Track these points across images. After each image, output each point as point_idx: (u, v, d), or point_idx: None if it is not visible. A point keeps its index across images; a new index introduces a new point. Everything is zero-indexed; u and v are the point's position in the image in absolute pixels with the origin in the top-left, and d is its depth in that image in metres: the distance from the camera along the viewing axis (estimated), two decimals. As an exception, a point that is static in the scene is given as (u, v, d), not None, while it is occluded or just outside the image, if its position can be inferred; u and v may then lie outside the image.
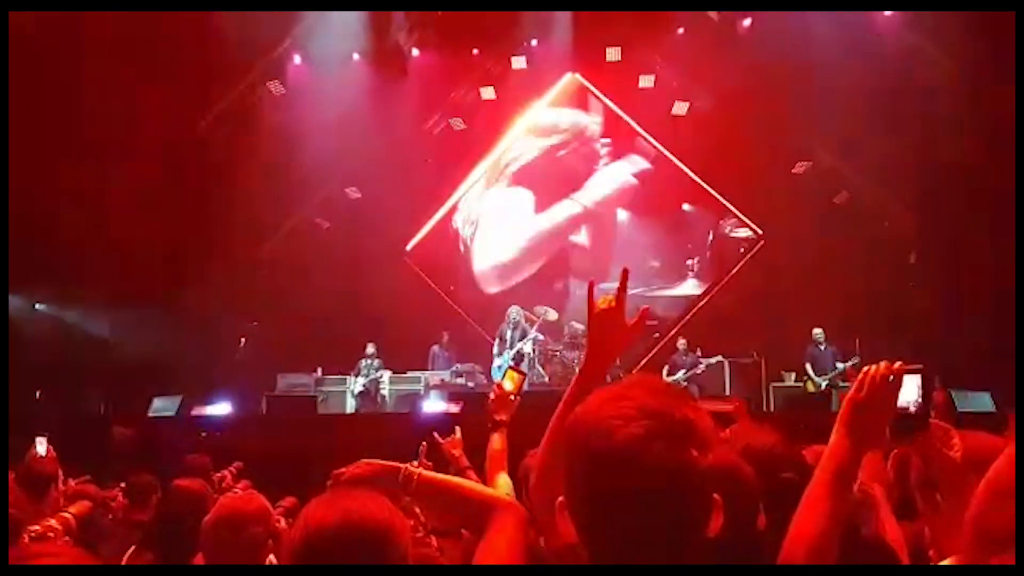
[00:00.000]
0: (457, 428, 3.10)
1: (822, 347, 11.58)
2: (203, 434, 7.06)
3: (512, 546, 1.61)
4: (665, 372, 11.98)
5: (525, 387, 10.42)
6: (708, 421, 1.20)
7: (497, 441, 2.75)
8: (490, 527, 1.65)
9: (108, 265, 11.36)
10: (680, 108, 13.76)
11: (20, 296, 11.75)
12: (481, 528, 1.66)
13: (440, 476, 1.78)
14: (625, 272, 1.84)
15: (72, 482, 4.16)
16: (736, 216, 14.09)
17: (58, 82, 10.38)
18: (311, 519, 1.51)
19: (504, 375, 2.93)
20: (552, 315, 12.89)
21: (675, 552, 1.15)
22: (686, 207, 14.17)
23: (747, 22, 12.97)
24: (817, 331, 11.60)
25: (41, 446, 3.70)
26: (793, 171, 13.24)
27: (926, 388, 1.62)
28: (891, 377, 1.63)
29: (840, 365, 11.19)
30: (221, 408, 9.93)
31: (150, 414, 9.86)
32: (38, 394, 10.95)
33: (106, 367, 11.62)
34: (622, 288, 1.82)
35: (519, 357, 11.71)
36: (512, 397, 2.84)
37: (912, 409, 1.63)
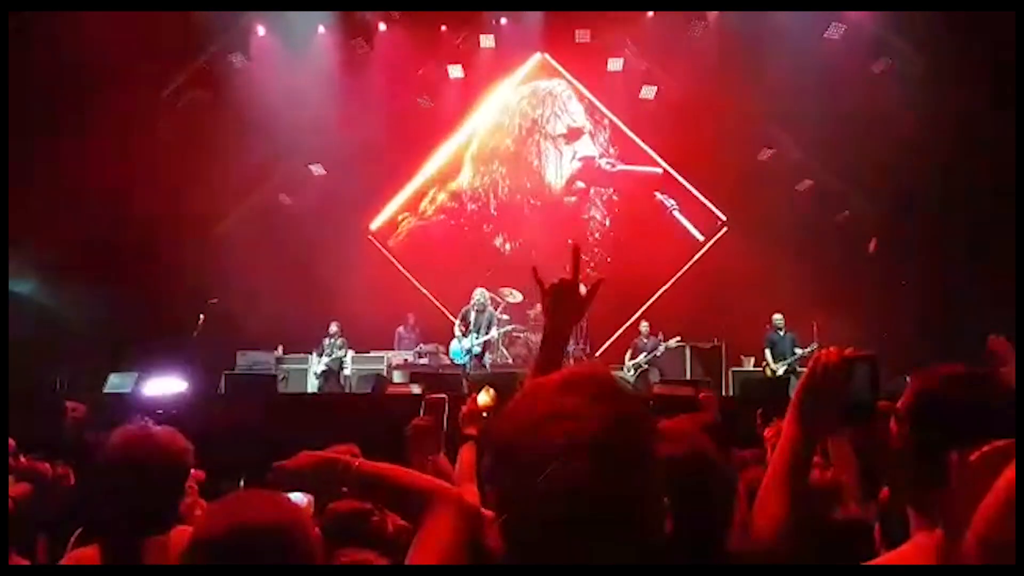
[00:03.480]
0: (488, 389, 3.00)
1: (781, 332, 11.70)
2: (159, 412, 6.93)
3: (451, 539, 1.52)
4: (628, 355, 12.05)
5: (487, 367, 10.29)
6: (654, 428, 1.14)
7: (466, 454, 2.74)
8: (428, 518, 1.56)
9: (65, 237, 11.10)
10: (648, 92, 13.75)
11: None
12: (421, 519, 1.57)
13: (380, 465, 1.72)
14: (575, 247, 1.88)
15: (24, 459, 4.05)
16: (700, 200, 14.18)
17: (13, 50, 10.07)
18: (199, 530, 1.49)
19: (481, 390, 2.91)
20: (516, 296, 12.86)
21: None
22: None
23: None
24: (777, 317, 11.71)
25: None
26: (758, 158, 13.32)
27: (874, 375, 1.64)
28: (841, 363, 1.64)
29: (799, 351, 11.33)
30: (178, 385, 9.76)
31: (106, 390, 9.66)
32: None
33: (62, 341, 11.38)
34: (575, 261, 1.85)
35: (487, 345, 11.63)
36: (484, 414, 2.82)
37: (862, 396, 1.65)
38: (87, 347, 11.23)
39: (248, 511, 1.48)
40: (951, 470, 1.35)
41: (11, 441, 3.68)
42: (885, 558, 1.52)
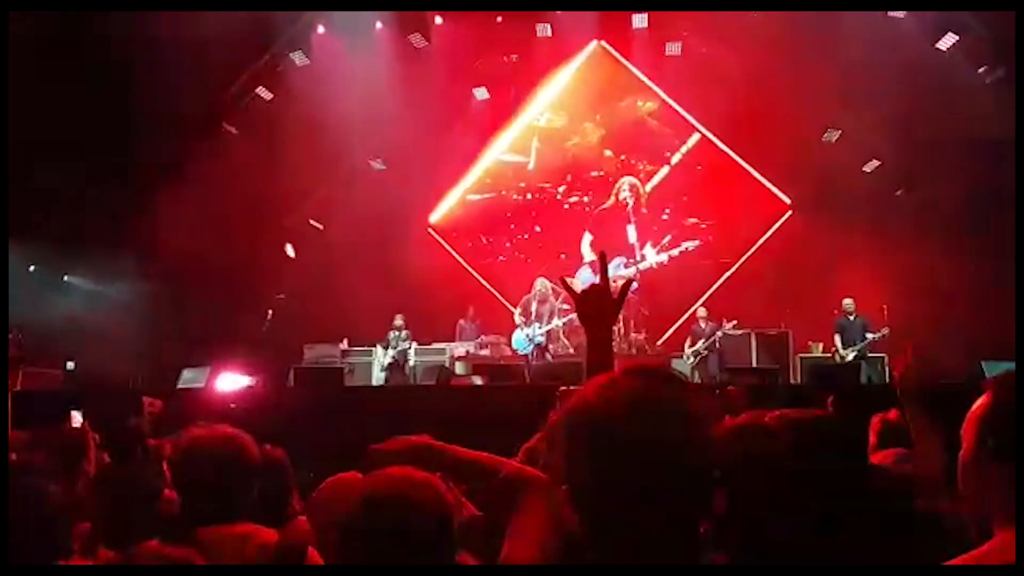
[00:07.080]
0: None
1: (851, 317, 11.40)
2: (231, 406, 7.12)
3: (544, 525, 1.60)
4: (687, 343, 11.92)
5: (550, 358, 10.26)
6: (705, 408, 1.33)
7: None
8: (522, 506, 1.64)
9: (137, 237, 11.46)
10: (708, 77, 13.49)
11: (49, 268, 11.89)
12: (511, 505, 1.65)
13: (471, 452, 1.79)
14: (602, 255, 2.05)
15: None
16: (764, 184, 13.93)
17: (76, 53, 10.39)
18: (359, 491, 1.66)
19: None
20: (578, 287, 12.77)
21: (681, 532, 1.24)
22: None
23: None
24: (847, 301, 11.42)
25: (76, 419, 3.72)
26: (823, 139, 13.02)
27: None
28: None
29: (870, 335, 11.06)
30: (248, 380, 10.01)
31: (179, 385, 9.94)
32: (70, 365, 11.08)
33: (137, 337, 11.74)
34: (603, 269, 2.00)
35: (549, 335, 11.62)
36: None
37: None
38: (161, 342, 11.56)
39: (413, 487, 1.65)
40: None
41: (91, 439, 3.72)
42: (962, 559, 1.47)
